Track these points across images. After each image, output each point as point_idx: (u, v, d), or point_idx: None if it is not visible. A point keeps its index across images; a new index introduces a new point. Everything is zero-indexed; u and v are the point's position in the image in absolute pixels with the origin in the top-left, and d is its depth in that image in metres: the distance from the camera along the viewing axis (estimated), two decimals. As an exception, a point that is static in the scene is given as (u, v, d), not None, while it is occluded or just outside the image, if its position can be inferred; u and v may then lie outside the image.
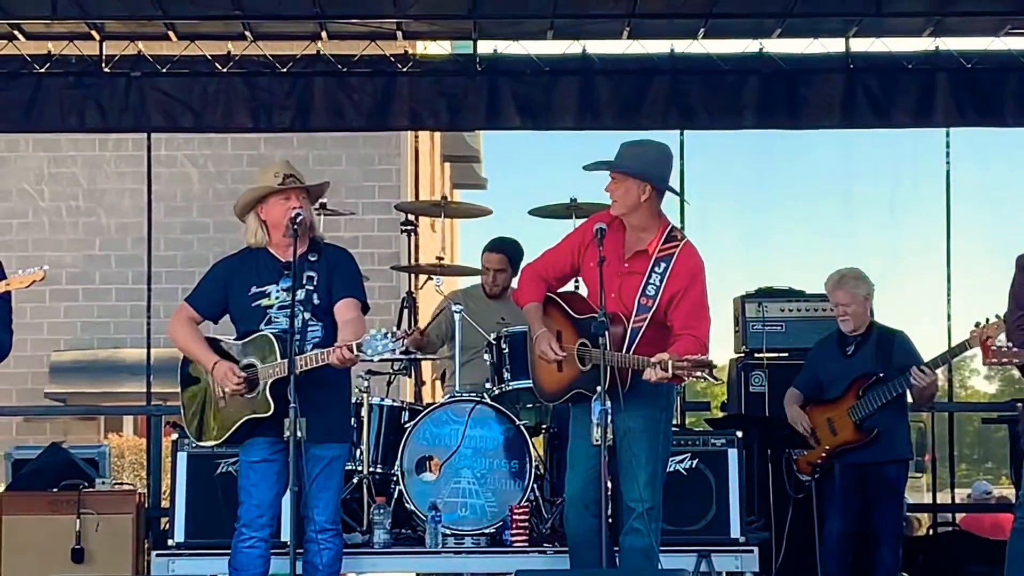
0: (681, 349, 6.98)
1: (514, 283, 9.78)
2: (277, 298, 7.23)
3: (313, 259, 7.27)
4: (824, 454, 8.92)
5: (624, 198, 7.24)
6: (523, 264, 9.64)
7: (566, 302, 7.46)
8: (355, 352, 6.92)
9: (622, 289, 7.21)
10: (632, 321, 7.15)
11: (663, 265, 7.20)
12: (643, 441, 7.15)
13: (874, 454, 8.84)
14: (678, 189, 7.61)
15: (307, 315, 7.13)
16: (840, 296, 9.02)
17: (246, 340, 7.21)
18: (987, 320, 8.17)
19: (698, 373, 6.98)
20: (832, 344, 9.12)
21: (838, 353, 9.05)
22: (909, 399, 9.01)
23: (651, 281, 7.19)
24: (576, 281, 7.85)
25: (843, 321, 9.02)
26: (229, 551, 7.28)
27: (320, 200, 9.61)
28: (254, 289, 7.25)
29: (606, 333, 6.99)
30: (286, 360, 6.96)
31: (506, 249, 9.75)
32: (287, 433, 6.89)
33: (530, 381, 8.11)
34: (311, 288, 7.20)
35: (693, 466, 8.53)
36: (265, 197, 7.28)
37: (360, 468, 8.79)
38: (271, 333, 7.13)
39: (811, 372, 9.21)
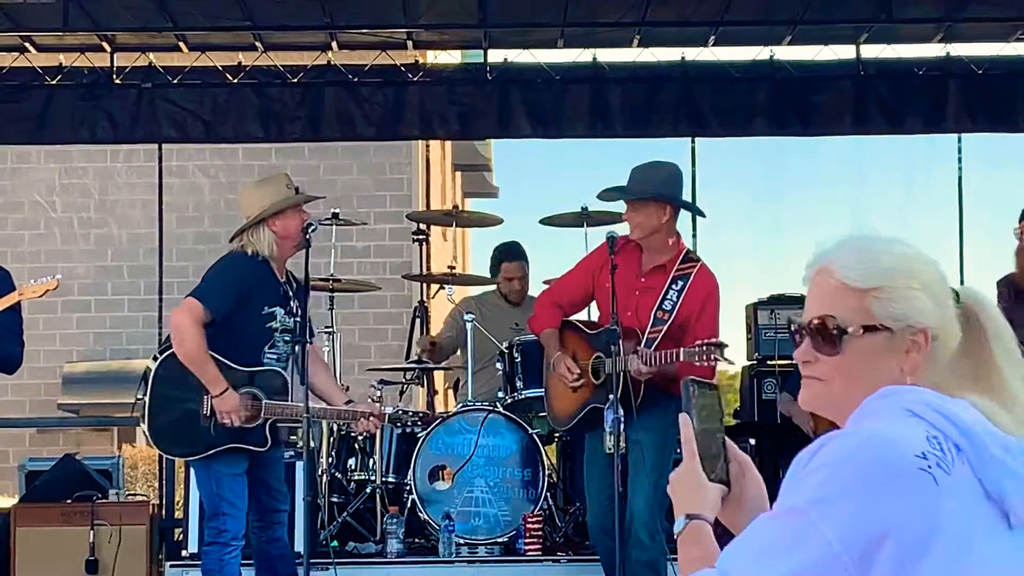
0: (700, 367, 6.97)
1: (531, 288, 9.86)
2: (281, 322, 7.23)
3: (293, 285, 7.35)
4: None
5: (645, 222, 7.26)
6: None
7: (582, 324, 7.56)
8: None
9: (639, 307, 7.23)
10: (647, 333, 7.18)
11: (680, 283, 7.24)
12: (651, 453, 7.16)
13: None
14: (691, 202, 7.63)
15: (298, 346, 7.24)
16: None
17: (254, 371, 7.17)
18: None
19: (714, 357, 6.96)
20: None
21: None
22: None
23: (668, 297, 7.23)
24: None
25: None
26: (248, 561, 7.31)
27: (332, 210, 9.66)
28: (267, 308, 7.21)
29: (619, 341, 7.01)
30: (298, 404, 7.11)
31: (524, 255, 9.81)
32: (300, 444, 6.99)
33: (542, 390, 8.18)
34: (298, 319, 7.27)
35: (706, 474, 8.51)
36: (284, 209, 7.26)
37: (373, 478, 8.81)
38: (281, 369, 7.18)
39: None
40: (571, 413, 7.44)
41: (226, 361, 7.13)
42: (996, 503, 2.36)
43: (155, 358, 7.26)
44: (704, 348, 6.89)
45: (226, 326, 7.13)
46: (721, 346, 6.93)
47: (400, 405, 8.63)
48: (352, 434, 8.96)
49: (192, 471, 7.62)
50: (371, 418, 7.32)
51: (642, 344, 7.16)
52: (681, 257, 7.30)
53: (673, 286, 7.23)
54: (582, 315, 7.94)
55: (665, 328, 7.17)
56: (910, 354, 2.50)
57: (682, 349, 6.93)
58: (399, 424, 7.81)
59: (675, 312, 7.18)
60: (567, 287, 7.60)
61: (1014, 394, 2.46)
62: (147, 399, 7.17)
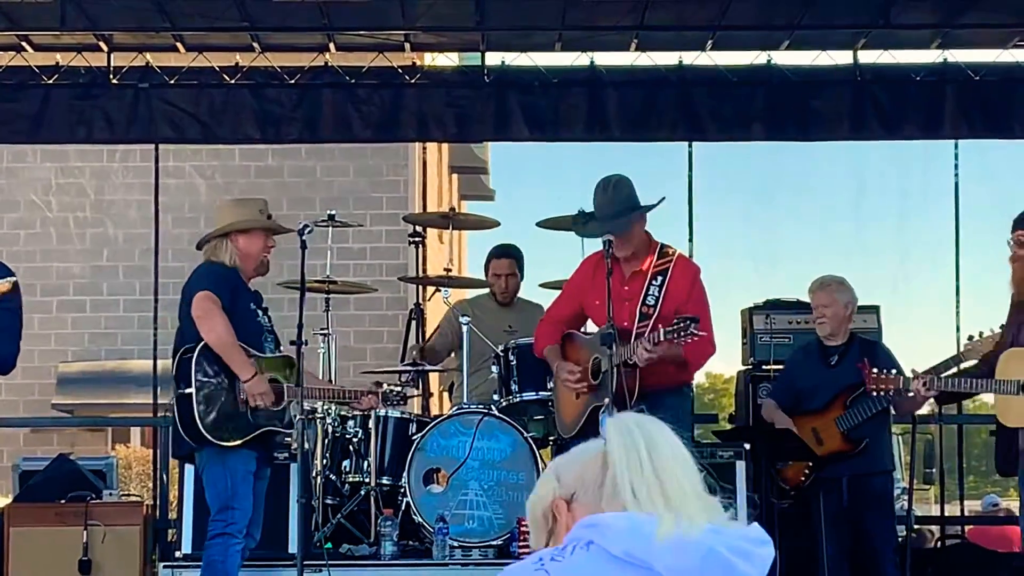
0: (692, 347, 7.30)
1: (522, 290, 9.86)
2: (264, 322, 7.58)
3: (261, 299, 7.71)
4: (811, 464, 8.86)
5: (630, 242, 7.57)
6: (525, 267, 9.81)
7: (581, 334, 7.81)
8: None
9: (629, 313, 7.50)
10: (636, 329, 7.40)
11: (660, 279, 7.52)
12: None
13: (861, 465, 8.75)
14: (653, 203, 7.82)
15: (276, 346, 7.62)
16: (820, 298, 8.94)
17: (270, 357, 7.50)
18: (980, 334, 8.17)
19: (690, 332, 7.09)
20: (813, 354, 9.03)
21: (820, 363, 8.94)
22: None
23: (649, 293, 7.52)
24: None
25: (820, 324, 8.93)
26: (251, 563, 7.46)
27: (328, 212, 9.69)
28: (251, 306, 7.54)
29: (615, 337, 7.13)
30: (314, 386, 7.64)
31: (514, 253, 9.81)
32: (295, 446, 7.14)
33: (537, 393, 8.25)
34: (271, 325, 7.67)
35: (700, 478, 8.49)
36: (249, 229, 7.55)
37: (368, 480, 8.80)
38: (293, 355, 7.48)
39: (788, 382, 9.10)
40: (575, 418, 7.57)
41: (246, 347, 7.41)
42: (630, 562, 2.90)
43: (185, 356, 7.38)
44: (678, 327, 7.11)
45: (231, 321, 7.39)
46: (693, 320, 7.12)
47: (389, 385, 8.76)
48: (348, 435, 8.96)
49: (204, 466, 7.56)
50: (368, 395, 7.83)
51: (632, 337, 7.38)
52: (657, 255, 7.57)
53: (653, 282, 7.51)
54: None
55: (650, 322, 7.40)
56: (558, 521, 3.05)
57: (661, 329, 7.18)
58: (389, 401, 8.22)
59: (659, 306, 7.44)
60: (559, 309, 7.95)
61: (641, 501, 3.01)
62: (192, 391, 7.33)
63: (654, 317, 7.37)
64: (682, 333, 7.12)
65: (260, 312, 7.57)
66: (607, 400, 7.12)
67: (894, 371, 7.86)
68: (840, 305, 8.90)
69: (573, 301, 7.81)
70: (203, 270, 7.55)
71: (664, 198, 7.81)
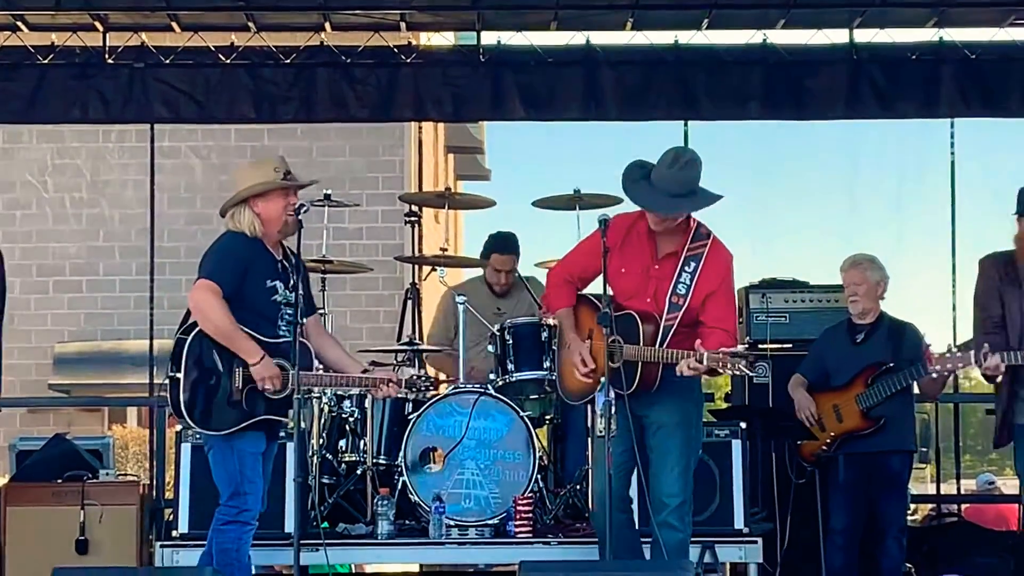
0: (715, 342, 7.05)
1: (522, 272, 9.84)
2: (283, 296, 7.33)
3: (292, 261, 7.41)
4: (829, 440, 8.92)
5: (674, 219, 7.27)
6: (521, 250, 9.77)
7: (598, 300, 7.48)
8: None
9: (657, 292, 7.24)
10: (664, 319, 7.21)
11: (693, 264, 7.25)
12: (677, 435, 7.24)
13: (879, 444, 8.83)
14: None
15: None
16: (852, 276, 9.04)
17: (278, 342, 7.28)
18: None
19: (738, 365, 6.99)
20: (842, 332, 9.11)
21: (847, 341, 9.04)
22: (916, 391, 9.02)
23: (681, 280, 7.24)
24: None
25: (852, 302, 9.03)
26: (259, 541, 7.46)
27: (324, 191, 9.66)
28: (268, 282, 7.31)
29: (612, 324, 7.02)
30: (323, 374, 7.40)
31: (516, 247, 9.80)
32: (291, 425, 7.03)
33: (533, 372, 8.21)
34: (302, 293, 7.36)
35: (697, 457, 8.52)
36: (266, 192, 7.32)
37: (364, 459, 8.82)
38: (304, 340, 7.27)
39: (818, 358, 9.19)
40: (585, 391, 7.38)
41: (252, 333, 7.23)
42: None
43: (181, 337, 7.26)
44: (728, 356, 6.96)
45: (239, 303, 7.22)
46: (746, 356, 7.01)
47: (414, 371, 8.60)
48: (344, 415, 8.97)
49: (211, 448, 7.49)
50: (390, 384, 7.46)
51: (660, 329, 7.17)
52: (692, 235, 7.28)
53: (685, 268, 7.23)
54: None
55: (680, 313, 7.19)
56: None
57: (706, 354, 6.95)
58: (415, 389, 7.91)
59: (689, 296, 7.20)
60: (577, 263, 7.51)
61: None
62: (180, 376, 7.21)
63: (683, 309, 7.19)
64: (726, 368, 6.98)
65: (280, 286, 7.31)
66: (602, 380, 7.05)
67: (958, 351, 7.67)
68: (871, 283, 8.99)
69: (595, 261, 7.27)
70: (216, 247, 7.37)
71: (721, 196, 7.49)
